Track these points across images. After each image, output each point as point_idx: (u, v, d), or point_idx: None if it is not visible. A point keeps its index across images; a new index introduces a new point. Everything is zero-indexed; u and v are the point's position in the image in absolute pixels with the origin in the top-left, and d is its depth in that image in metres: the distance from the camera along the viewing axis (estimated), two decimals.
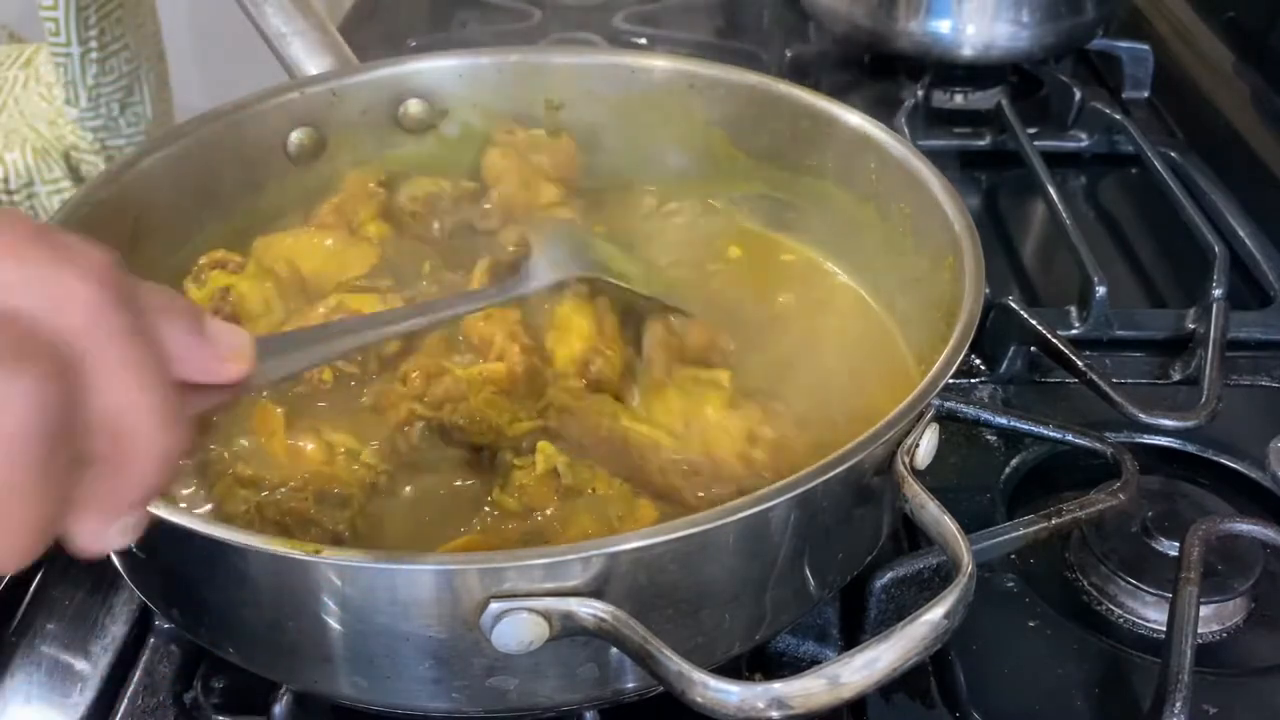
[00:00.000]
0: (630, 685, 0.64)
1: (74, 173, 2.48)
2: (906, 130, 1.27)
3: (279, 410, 0.74)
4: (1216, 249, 1.07)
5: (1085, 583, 0.82)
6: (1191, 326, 1.02)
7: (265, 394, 0.76)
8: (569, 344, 0.79)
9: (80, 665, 0.76)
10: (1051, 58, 1.43)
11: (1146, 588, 0.79)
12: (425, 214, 0.94)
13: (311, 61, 0.97)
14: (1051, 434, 0.80)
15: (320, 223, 0.91)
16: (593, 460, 0.72)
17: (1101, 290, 1.02)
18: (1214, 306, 1.01)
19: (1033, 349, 0.97)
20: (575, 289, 0.81)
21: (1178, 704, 0.67)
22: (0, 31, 2.97)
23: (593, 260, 0.83)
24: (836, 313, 0.90)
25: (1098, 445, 0.79)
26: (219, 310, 0.81)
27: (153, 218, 0.85)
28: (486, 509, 0.71)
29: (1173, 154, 1.28)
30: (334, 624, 0.59)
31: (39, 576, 0.82)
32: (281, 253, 0.87)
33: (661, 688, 0.55)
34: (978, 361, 1.01)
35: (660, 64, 0.99)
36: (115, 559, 0.71)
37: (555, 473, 0.71)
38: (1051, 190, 1.14)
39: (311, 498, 0.68)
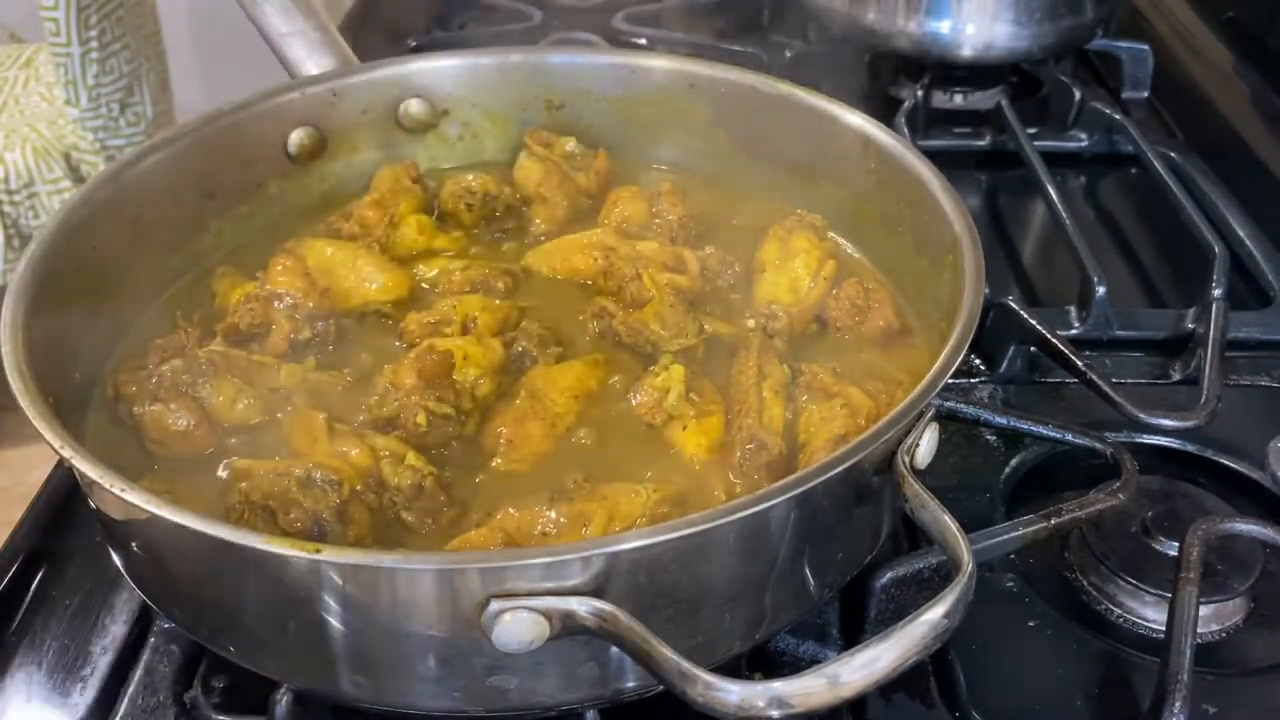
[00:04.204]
0: (630, 684, 0.64)
1: (74, 173, 2.49)
2: (906, 130, 1.27)
3: (321, 417, 0.74)
4: (1216, 249, 1.07)
5: (1085, 583, 0.82)
6: (1191, 326, 1.02)
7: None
8: (776, 285, 0.87)
9: (80, 665, 0.76)
10: (1051, 58, 1.43)
11: (1146, 588, 0.79)
12: (478, 205, 0.96)
13: (312, 61, 0.97)
14: (1051, 434, 0.80)
15: (361, 219, 0.92)
16: (710, 403, 0.77)
17: (1101, 290, 1.02)
18: (1214, 306, 1.01)
19: (1032, 349, 0.97)
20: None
21: (1177, 704, 0.67)
22: (0, 31, 2.97)
23: None
24: None
25: (1097, 445, 0.79)
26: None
27: (153, 218, 0.85)
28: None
29: (1172, 154, 1.28)
30: (335, 623, 0.59)
31: (39, 576, 0.82)
32: (319, 260, 0.87)
33: (661, 687, 0.55)
34: (978, 361, 1.01)
35: (660, 64, 1.00)
36: (116, 558, 0.71)
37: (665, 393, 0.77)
38: (1051, 190, 1.15)
39: (294, 481, 0.68)
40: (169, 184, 0.86)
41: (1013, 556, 0.82)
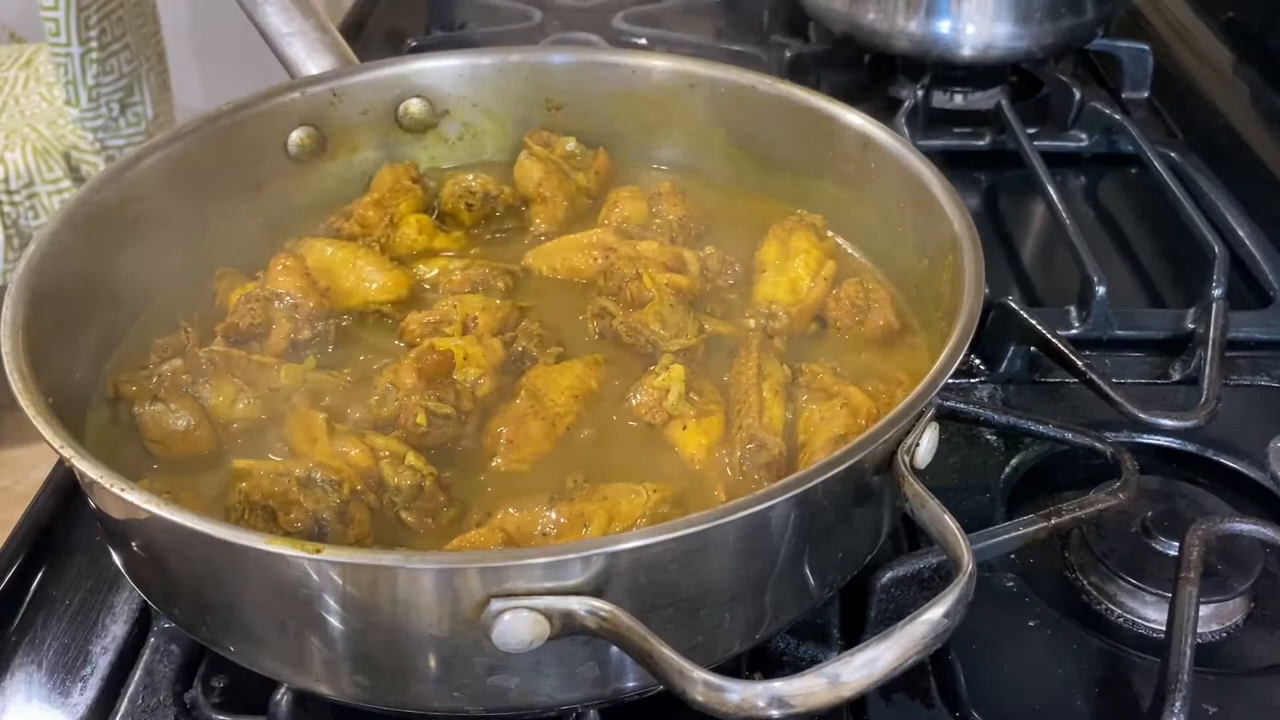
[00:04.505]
0: (630, 684, 0.64)
1: (74, 173, 2.49)
2: (906, 130, 1.27)
3: (321, 417, 0.74)
4: (1216, 249, 1.07)
5: (1085, 583, 0.82)
6: (1191, 326, 1.02)
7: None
8: (776, 285, 0.87)
9: (80, 665, 0.76)
10: (1051, 58, 1.43)
11: (1146, 588, 0.79)
12: (478, 205, 0.96)
13: (312, 61, 0.97)
14: (1051, 434, 0.80)
15: (361, 219, 0.92)
16: (710, 402, 0.77)
17: (1101, 290, 1.02)
18: (1214, 306, 1.01)
19: (1032, 349, 0.97)
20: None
21: (1177, 704, 0.67)
22: (0, 31, 2.97)
23: None
24: None
25: (1097, 445, 0.79)
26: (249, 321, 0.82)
27: (153, 218, 0.85)
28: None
29: (1172, 154, 1.28)
30: (335, 623, 0.59)
31: (39, 576, 0.82)
32: (319, 260, 0.87)
33: (661, 687, 0.55)
34: (978, 361, 1.01)
35: (660, 64, 0.99)
36: (116, 558, 0.71)
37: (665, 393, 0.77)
38: (1051, 190, 1.14)
39: (294, 481, 0.68)
40: (169, 184, 0.86)
41: (1013, 556, 0.82)
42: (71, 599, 0.81)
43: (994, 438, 0.92)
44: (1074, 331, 1.03)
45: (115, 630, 0.78)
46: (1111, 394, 0.86)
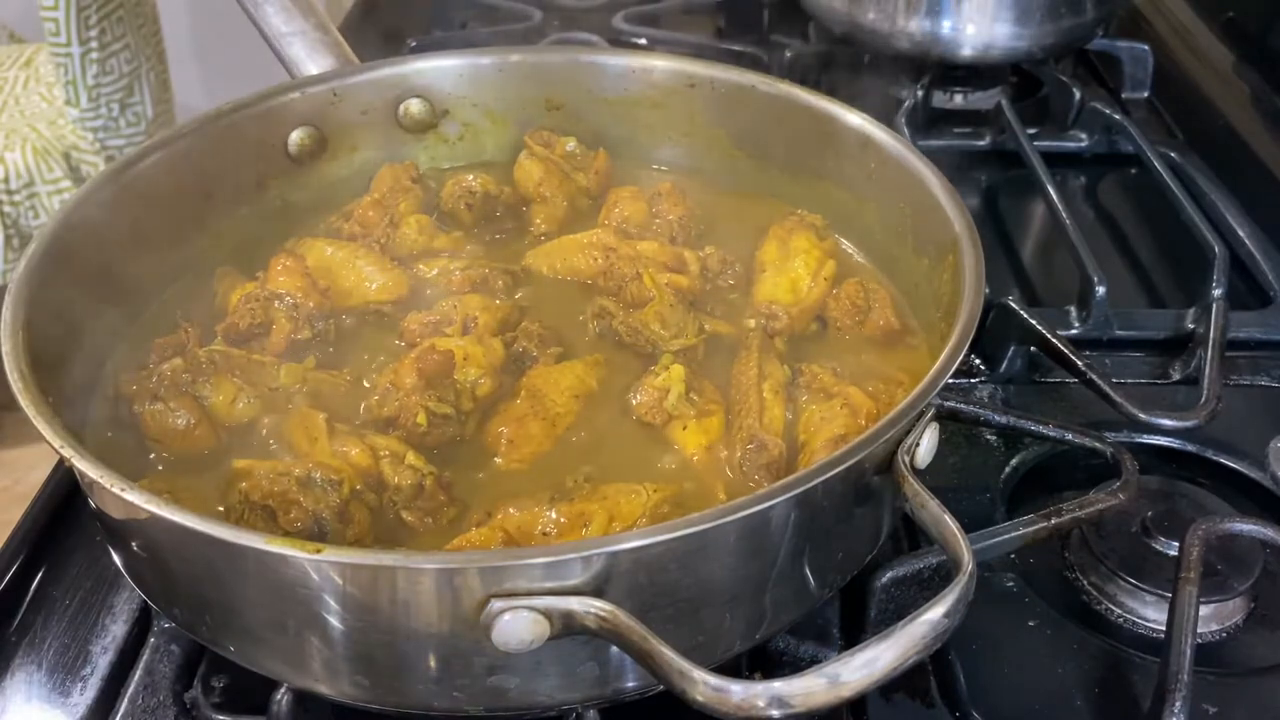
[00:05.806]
0: (631, 684, 0.64)
1: (74, 173, 2.49)
2: (906, 130, 1.27)
3: (321, 417, 0.74)
4: (1216, 249, 1.07)
5: (1085, 583, 0.82)
6: (1191, 326, 1.02)
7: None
8: (776, 285, 0.87)
9: (80, 665, 0.76)
10: (1051, 58, 1.44)
11: (1146, 587, 0.79)
12: (478, 205, 0.96)
13: (312, 61, 0.97)
14: (1051, 434, 0.80)
15: (361, 219, 0.92)
16: (710, 402, 0.77)
17: (1101, 290, 1.02)
18: (1214, 306, 1.01)
19: (1032, 349, 0.97)
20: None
21: (1177, 704, 0.67)
22: (0, 31, 2.97)
23: None
24: None
25: (1098, 445, 0.79)
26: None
27: (153, 218, 0.85)
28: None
29: (1172, 154, 1.28)
30: (335, 623, 0.59)
31: (39, 576, 0.82)
32: (319, 260, 0.87)
33: (661, 687, 0.55)
34: (978, 361, 1.01)
35: (660, 64, 0.99)
36: (116, 558, 0.71)
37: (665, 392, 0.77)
38: (1051, 190, 1.14)
39: (294, 481, 0.68)
40: (169, 184, 0.86)
41: (1013, 556, 0.82)
42: (71, 599, 0.81)
43: (994, 438, 0.92)
44: (1074, 331, 1.03)
45: (115, 630, 0.79)
46: (1111, 394, 0.86)
